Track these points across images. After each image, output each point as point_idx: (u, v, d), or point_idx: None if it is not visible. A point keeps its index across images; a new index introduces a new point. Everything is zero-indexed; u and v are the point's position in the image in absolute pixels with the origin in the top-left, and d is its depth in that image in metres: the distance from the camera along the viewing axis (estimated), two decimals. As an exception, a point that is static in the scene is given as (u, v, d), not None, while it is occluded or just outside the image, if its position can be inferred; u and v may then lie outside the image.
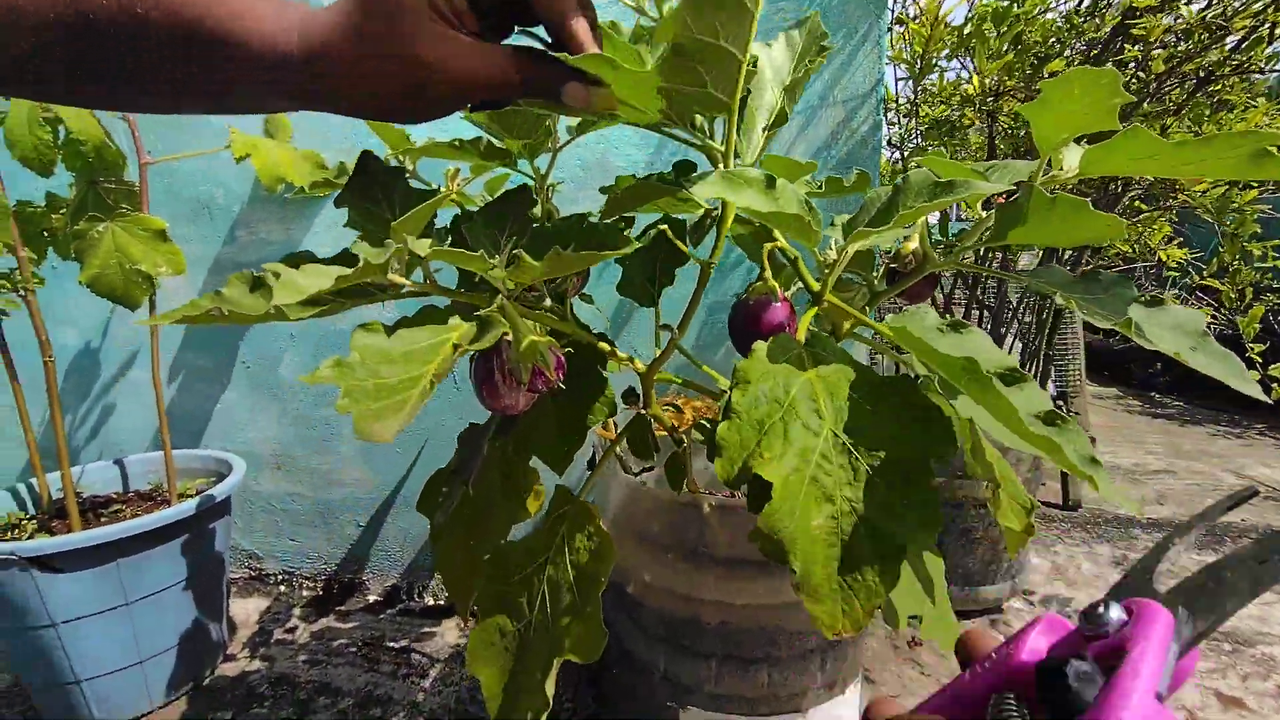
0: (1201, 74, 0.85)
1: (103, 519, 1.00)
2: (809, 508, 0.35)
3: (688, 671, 0.69)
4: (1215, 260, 1.05)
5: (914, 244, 0.56)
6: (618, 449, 0.71)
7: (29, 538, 0.92)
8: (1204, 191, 0.89)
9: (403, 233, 0.38)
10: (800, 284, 0.55)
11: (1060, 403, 1.94)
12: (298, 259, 0.42)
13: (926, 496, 0.35)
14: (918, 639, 1.12)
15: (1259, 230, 0.88)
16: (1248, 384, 0.45)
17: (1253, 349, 1.03)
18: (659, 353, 0.58)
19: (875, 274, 0.59)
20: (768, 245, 0.55)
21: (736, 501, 0.64)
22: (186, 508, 0.93)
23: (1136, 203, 1.09)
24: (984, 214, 0.58)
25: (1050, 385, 1.96)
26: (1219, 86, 0.97)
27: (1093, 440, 1.83)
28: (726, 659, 0.67)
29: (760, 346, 0.41)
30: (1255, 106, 1.06)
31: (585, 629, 0.47)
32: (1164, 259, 1.14)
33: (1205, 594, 0.22)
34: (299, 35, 0.32)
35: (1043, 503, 1.81)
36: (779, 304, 0.50)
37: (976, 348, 0.43)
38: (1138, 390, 3.26)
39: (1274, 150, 0.40)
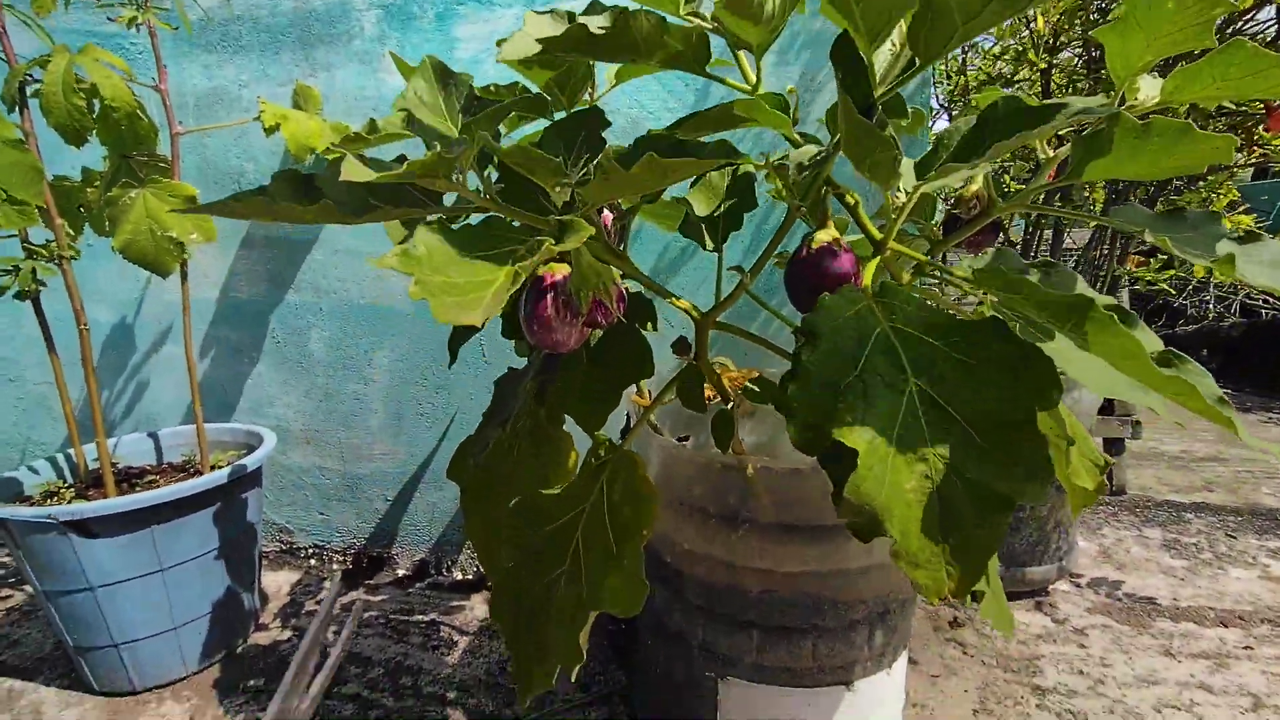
0: None
1: (137, 488, 1.00)
2: (899, 469, 0.32)
3: (728, 642, 0.67)
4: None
5: (977, 185, 0.53)
6: (651, 416, 0.68)
7: (67, 503, 0.93)
8: None
9: (475, 129, 0.36)
10: (859, 234, 0.52)
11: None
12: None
13: (1032, 446, 0.32)
14: (959, 619, 1.08)
15: None
16: None
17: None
18: (722, 299, 0.54)
19: (935, 223, 0.55)
20: (825, 189, 0.51)
21: (782, 464, 0.61)
22: (218, 476, 0.93)
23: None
24: (1052, 153, 0.54)
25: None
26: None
27: (1138, 424, 1.76)
28: (770, 629, 0.65)
29: (827, 298, 0.38)
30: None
31: (624, 581, 0.45)
32: (1230, 226, 1.07)
33: None
34: None
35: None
36: (843, 253, 0.46)
37: (1077, 287, 0.39)
38: (1181, 377, 3.14)
39: None
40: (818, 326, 0.38)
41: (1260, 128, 0.80)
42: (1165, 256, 2.63)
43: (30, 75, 0.85)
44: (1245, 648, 0.99)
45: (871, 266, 0.44)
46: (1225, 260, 0.42)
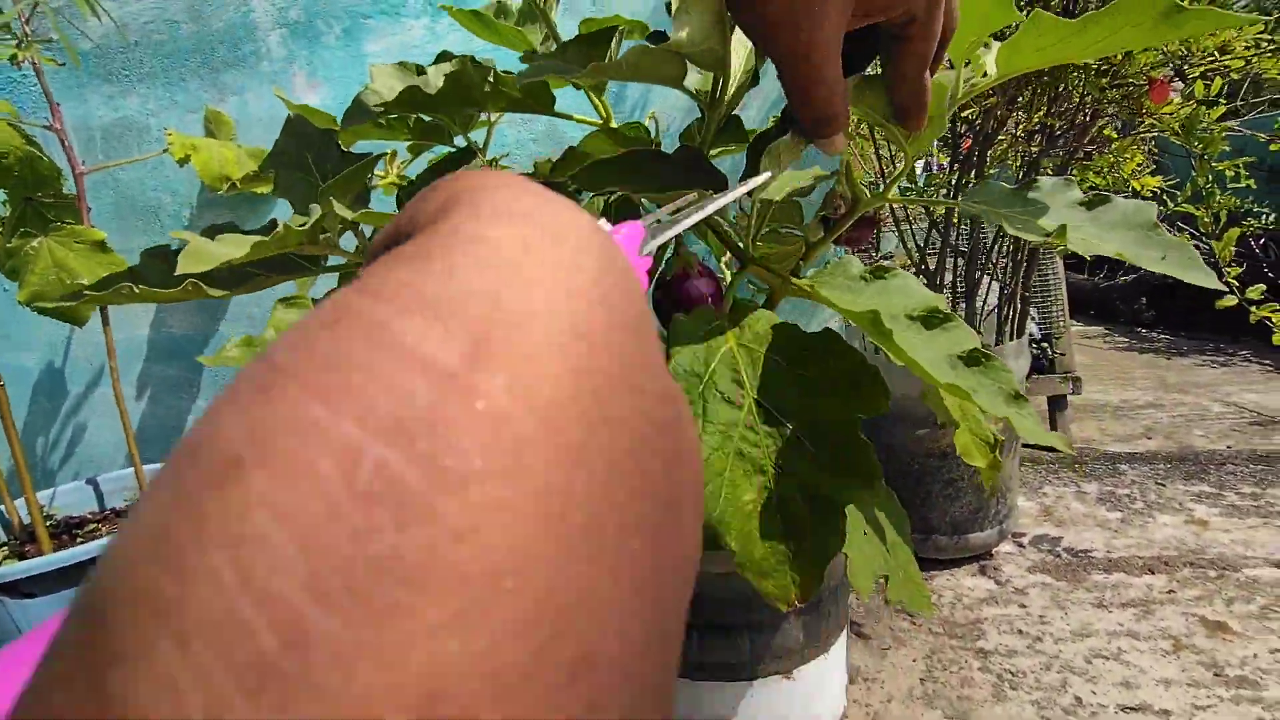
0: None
1: (77, 539, 0.99)
2: (738, 483, 0.34)
3: (670, 643, 0.69)
4: (1189, 186, 1.03)
5: (841, 187, 0.54)
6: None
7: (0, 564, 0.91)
8: (1172, 114, 0.87)
9: (330, 197, 0.36)
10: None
11: (1045, 344, 1.93)
12: (218, 230, 0.39)
13: (861, 451, 0.34)
14: (909, 590, 1.13)
15: (1227, 148, 0.86)
16: (1202, 273, 0.43)
17: (1229, 272, 1.02)
18: None
19: (808, 225, 0.57)
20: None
21: (704, 471, 0.63)
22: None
23: (1108, 130, 1.06)
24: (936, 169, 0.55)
25: (1034, 327, 1.95)
26: None
27: (1077, 380, 1.83)
28: (706, 628, 0.67)
29: (681, 319, 0.39)
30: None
31: None
32: (1138, 189, 1.12)
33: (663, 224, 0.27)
34: None
35: (1031, 445, 1.81)
36: (698, 277, 0.48)
37: (903, 291, 0.41)
38: (1124, 327, 3.26)
39: (1184, 2, 0.37)
40: (668, 346, 0.39)
41: (1145, 99, 0.83)
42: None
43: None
44: (1169, 592, 1.06)
45: (734, 282, 0.46)
46: (1057, 232, 0.43)
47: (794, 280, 0.45)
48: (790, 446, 0.37)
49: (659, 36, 0.34)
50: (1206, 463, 1.52)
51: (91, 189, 1.17)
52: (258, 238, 0.34)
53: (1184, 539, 1.21)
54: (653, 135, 0.46)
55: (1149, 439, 1.81)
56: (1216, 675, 0.88)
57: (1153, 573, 1.11)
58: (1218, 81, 0.81)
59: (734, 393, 0.39)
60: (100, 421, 1.25)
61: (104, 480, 1.12)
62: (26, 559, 0.91)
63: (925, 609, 0.57)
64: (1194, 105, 0.83)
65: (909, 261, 1.18)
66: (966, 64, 0.45)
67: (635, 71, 0.32)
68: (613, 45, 0.37)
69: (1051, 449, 1.75)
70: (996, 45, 0.48)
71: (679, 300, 0.46)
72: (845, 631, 0.77)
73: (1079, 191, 0.48)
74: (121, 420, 0.98)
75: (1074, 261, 3.30)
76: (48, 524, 1.02)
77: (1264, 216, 1.23)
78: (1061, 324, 1.88)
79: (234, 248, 0.31)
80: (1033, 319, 1.90)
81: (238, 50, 1.08)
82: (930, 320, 0.41)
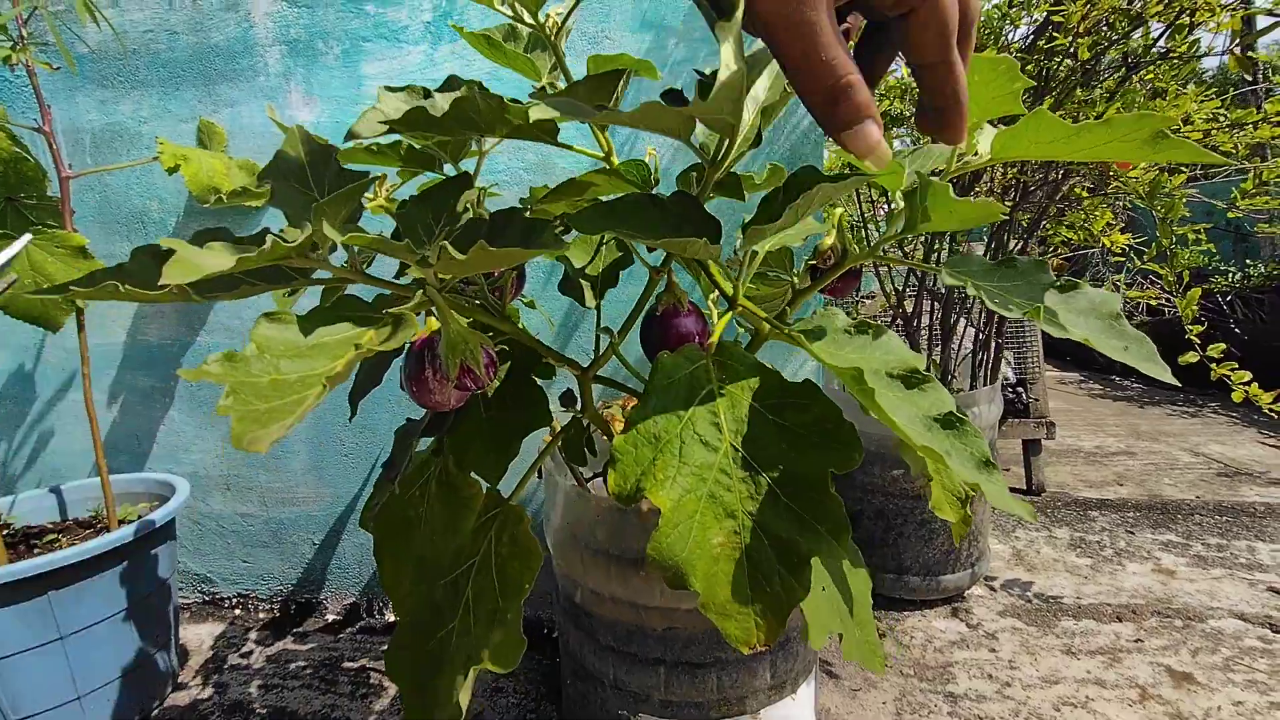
0: (1131, 61, 0.86)
1: (36, 550, 0.96)
2: (708, 526, 0.34)
3: (637, 679, 0.68)
4: (1155, 245, 1.06)
5: (831, 239, 0.56)
6: (561, 457, 0.69)
7: (-47, 574, 0.87)
8: (1136, 178, 0.91)
9: (324, 214, 0.36)
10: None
11: (1020, 389, 1.97)
12: (208, 236, 0.39)
13: (832, 505, 0.35)
14: (880, 630, 1.12)
15: (1189, 214, 0.90)
16: (1158, 368, 0.45)
17: (1191, 330, 1.05)
18: (596, 356, 0.57)
19: (797, 272, 0.58)
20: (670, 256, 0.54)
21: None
22: (123, 535, 0.90)
23: (1078, 190, 1.10)
24: (904, 204, 0.58)
25: (1009, 371, 1.99)
26: (1151, 74, 0.99)
27: (1051, 425, 1.86)
28: (674, 665, 0.66)
29: (664, 357, 0.40)
30: (1185, 93, 1.08)
31: (505, 637, 0.46)
32: (1108, 245, 1.16)
33: None
34: None
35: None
36: (686, 314, 0.49)
37: (881, 348, 0.42)
38: (1099, 374, 3.33)
39: (1170, 132, 0.40)
40: (652, 384, 0.40)
41: (1111, 164, 0.87)
42: (1072, 264, 2.80)
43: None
44: (1136, 640, 1.07)
45: (722, 323, 0.47)
46: (1048, 315, 0.45)
47: (780, 326, 0.46)
48: (763, 494, 0.37)
49: (675, 97, 0.35)
50: (1175, 512, 1.55)
51: (77, 193, 1.16)
52: (245, 249, 0.34)
53: (1151, 587, 1.22)
54: (651, 172, 0.48)
55: (1120, 485, 1.84)
56: (1180, 727, 0.88)
57: (1121, 620, 1.12)
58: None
59: (712, 436, 0.39)
60: (68, 429, 1.23)
61: (67, 489, 1.09)
62: (-22, 569, 0.88)
63: (878, 669, 0.57)
64: (1156, 171, 0.87)
65: (887, 304, 1.21)
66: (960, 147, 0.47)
67: (645, 123, 0.33)
68: (620, 87, 0.38)
69: (1015, 490, 1.77)
70: (992, 130, 0.51)
71: (666, 335, 0.47)
72: (814, 673, 0.76)
73: (1051, 274, 0.50)
74: (91, 428, 0.96)
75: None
76: (4, 533, 0.99)
77: (1230, 275, 1.28)
78: (1036, 369, 1.92)
79: (221, 258, 0.31)
80: (1008, 363, 1.94)
81: (235, 63, 1.09)
82: (910, 380, 0.42)
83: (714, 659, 0.66)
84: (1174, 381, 0.43)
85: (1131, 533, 1.45)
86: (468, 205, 0.47)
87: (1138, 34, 0.74)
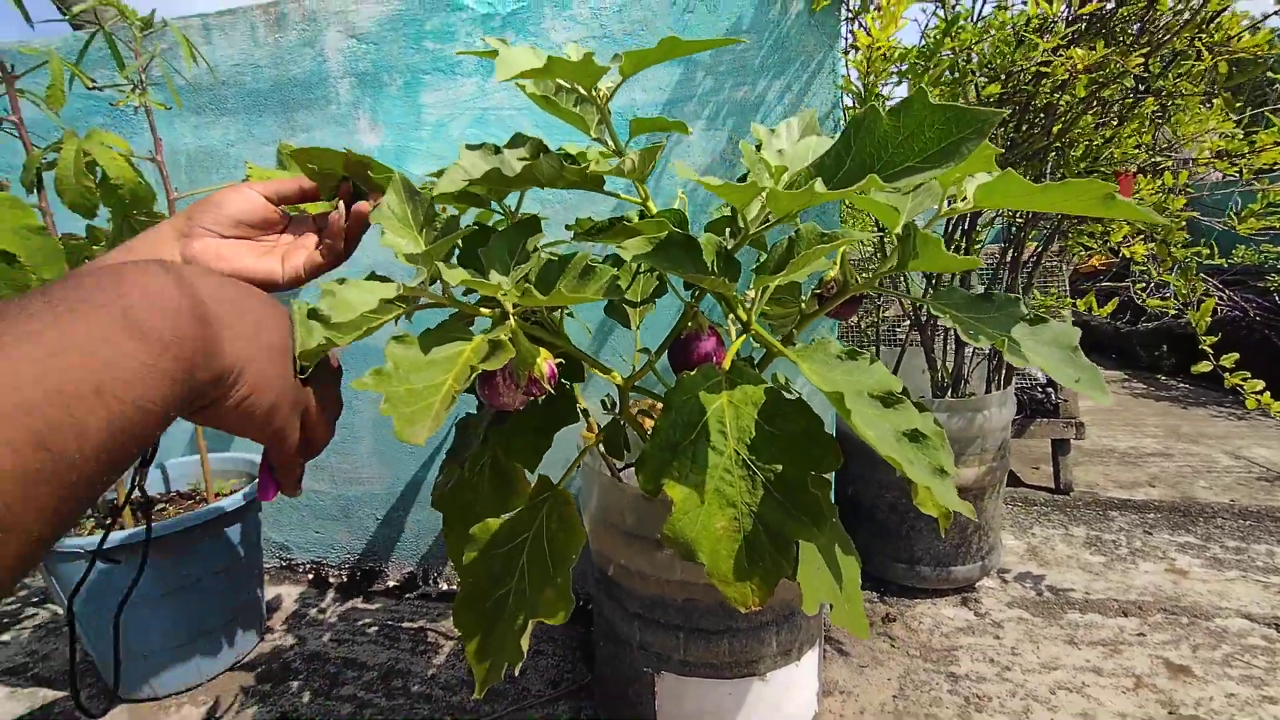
0: (1138, 89, 0.90)
1: (151, 517, 1.12)
2: (713, 513, 0.44)
3: (660, 642, 0.79)
4: (1168, 259, 1.10)
5: (834, 272, 0.65)
6: (600, 451, 0.80)
7: (89, 534, 1.05)
8: (1143, 199, 0.94)
9: (434, 259, 0.47)
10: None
11: (1049, 389, 1.98)
12: (376, 279, 0.51)
13: (812, 500, 0.44)
14: (891, 614, 1.20)
15: (1188, 237, 0.94)
16: (1103, 394, 0.52)
17: (1205, 341, 1.09)
18: (636, 369, 0.67)
19: (804, 299, 0.67)
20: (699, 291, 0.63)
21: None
22: (224, 505, 1.05)
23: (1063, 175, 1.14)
24: (898, 245, 0.66)
25: (1039, 371, 2.00)
26: (1168, 83, 1.01)
27: (1080, 425, 1.88)
28: (692, 631, 0.77)
29: (685, 376, 0.50)
30: (1209, 107, 1.10)
31: (557, 595, 0.57)
32: (1127, 255, 1.19)
33: None
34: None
35: (1032, 486, 1.87)
36: (706, 338, 0.58)
37: (865, 373, 0.50)
38: (1144, 373, 3.26)
39: (1116, 195, 0.48)
40: (672, 399, 0.50)
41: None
42: (1120, 261, 2.75)
43: (44, 159, 0.96)
44: (1139, 634, 1.12)
45: (736, 345, 0.56)
46: (1002, 343, 0.53)
47: (783, 351, 0.55)
48: (759, 489, 0.47)
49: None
50: (1196, 515, 1.56)
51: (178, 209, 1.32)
52: (380, 286, 0.46)
53: (1161, 586, 1.26)
54: (686, 218, 0.57)
55: (1152, 487, 1.85)
56: (1170, 713, 0.94)
57: (1126, 615, 1.17)
58: (1184, 174, 0.88)
59: (719, 442, 0.49)
60: (168, 412, 1.40)
61: (170, 465, 1.26)
62: (110, 531, 1.04)
63: (862, 632, 0.65)
64: (1161, 194, 0.91)
65: (903, 311, 1.27)
66: (952, 192, 0.55)
67: (672, 269, 0.43)
68: (658, 156, 0.47)
69: (1042, 488, 1.81)
70: (975, 181, 0.59)
71: (689, 355, 0.57)
72: (818, 645, 0.86)
73: (1024, 308, 0.58)
74: (194, 414, 1.11)
75: (1100, 303, 3.31)
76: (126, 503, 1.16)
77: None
78: (1067, 369, 1.93)
79: (367, 295, 0.43)
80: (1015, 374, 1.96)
81: (310, 93, 1.22)
82: (887, 400, 0.50)
83: (726, 627, 0.76)
84: (1109, 402, 0.50)
85: (1149, 533, 1.48)
86: (536, 246, 0.57)
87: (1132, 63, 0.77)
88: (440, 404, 0.44)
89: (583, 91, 0.59)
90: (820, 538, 0.48)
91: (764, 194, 0.46)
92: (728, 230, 0.57)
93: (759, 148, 0.60)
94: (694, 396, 0.49)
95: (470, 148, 0.58)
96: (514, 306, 0.54)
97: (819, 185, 0.40)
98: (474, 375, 0.48)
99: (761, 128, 0.61)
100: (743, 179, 0.59)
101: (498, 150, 0.59)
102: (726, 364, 0.54)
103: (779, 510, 0.45)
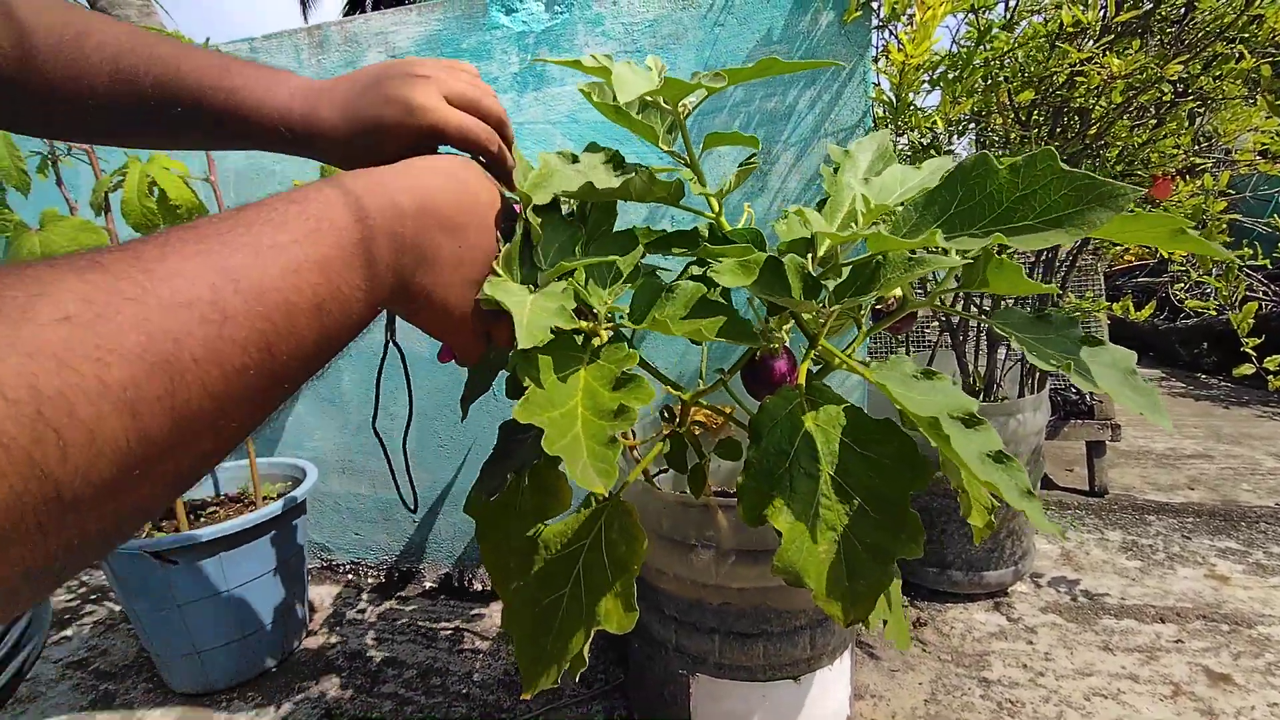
0: (1176, 93, 0.89)
1: (202, 520, 1.18)
2: (815, 539, 0.45)
3: (695, 645, 0.81)
4: (1207, 261, 1.08)
5: (897, 290, 0.66)
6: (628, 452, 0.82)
7: (146, 536, 1.10)
8: (1179, 204, 0.93)
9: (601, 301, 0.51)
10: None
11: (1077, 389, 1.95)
12: None
13: (909, 519, 0.45)
14: (922, 619, 1.21)
15: (1230, 239, 0.92)
16: (1164, 419, 0.52)
17: (1247, 343, 1.07)
18: (704, 385, 0.68)
19: (863, 313, 0.68)
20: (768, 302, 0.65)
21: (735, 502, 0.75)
22: (273, 509, 1.10)
23: (1133, 208, 1.13)
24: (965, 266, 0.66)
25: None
26: (1209, 83, 1.00)
27: (1116, 426, 1.85)
28: (727, 635, 0.79)
29: (769, 401, 0.51)
30: (1252, 104, 1.09)
31: (619, 606, 0.58)
32: (1166, 255, 1.18)
33: None
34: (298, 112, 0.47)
35: (1067, 489, 1.84)
36: (780, 359, 0.59)
37: (944, 393, 0.51)
38: (1183, 372, 3.18)
39: (1188, 230, 0.47)
40: (760, 426, 0.51)
41: (1151, 192, 0.91)
42: (1156, 259, 2.67)
43: (111, 183, 1.01)
44: (1177, 641, 1.10)
45: (806, 359, 0.57)
46: (1069, 366, 0.53)
47: (863, 370, 0.55)
48: (856, 511, 0.47)
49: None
50: (1238, 519, 1.53)
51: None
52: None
53: (1201, 592, 1.24)
54: (763, 237, 0.59)
55: (1191, 490, 1.81)
56: (1211, 723, 0.93)
57: (1164, 621, 1.16)
58: (1225, 175, 0.87)
59: (812, 468, 0.49)
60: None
61: (220, 469, 1.32)
62: (164, 534, 1.10)
63: (904, 644, 0.66)
64: (1202, 197, 0.90)
65: (931, 312, 1.27)
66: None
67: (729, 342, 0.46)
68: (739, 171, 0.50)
69: (1076, 491, 1.78)
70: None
71: (765, 375, 0.58)
72: (850, 649, 0.87)
73: (1080, 330, 0.58)
74: (244, 421, 1.16)
75: (1137, 300, 3.23)
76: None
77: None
78: (1101, 370, 1.89)
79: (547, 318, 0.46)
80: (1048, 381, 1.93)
81: (352, 109, 1.26)
82: (968, 422, 0.50)
83: (761, 630, 0.78)
84: (1168, 427, 0.49)
85: (1188, 538, 1.45)
86: (636, 264, 0.59)
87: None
88: (586, 439, 0.44)
89: (666, 107, 0.61)
90: (920, 552, 0.48)
91: (868, 235, 0.47)
92: (808, 254, 0.58)
93: (836, 170, 0.61)
94: (783, 422, 0.51)
95: (548, 154, 0.60)
96: (608, 320, 0.55)
97: (939, 238, 0.42)
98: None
99: (837, 149, 0.62)
100: (821, 204, 0.61)
101: (574, 159, 0.61)
102: (801, 384, 0.56)
103: (876, 530, 0.46)
